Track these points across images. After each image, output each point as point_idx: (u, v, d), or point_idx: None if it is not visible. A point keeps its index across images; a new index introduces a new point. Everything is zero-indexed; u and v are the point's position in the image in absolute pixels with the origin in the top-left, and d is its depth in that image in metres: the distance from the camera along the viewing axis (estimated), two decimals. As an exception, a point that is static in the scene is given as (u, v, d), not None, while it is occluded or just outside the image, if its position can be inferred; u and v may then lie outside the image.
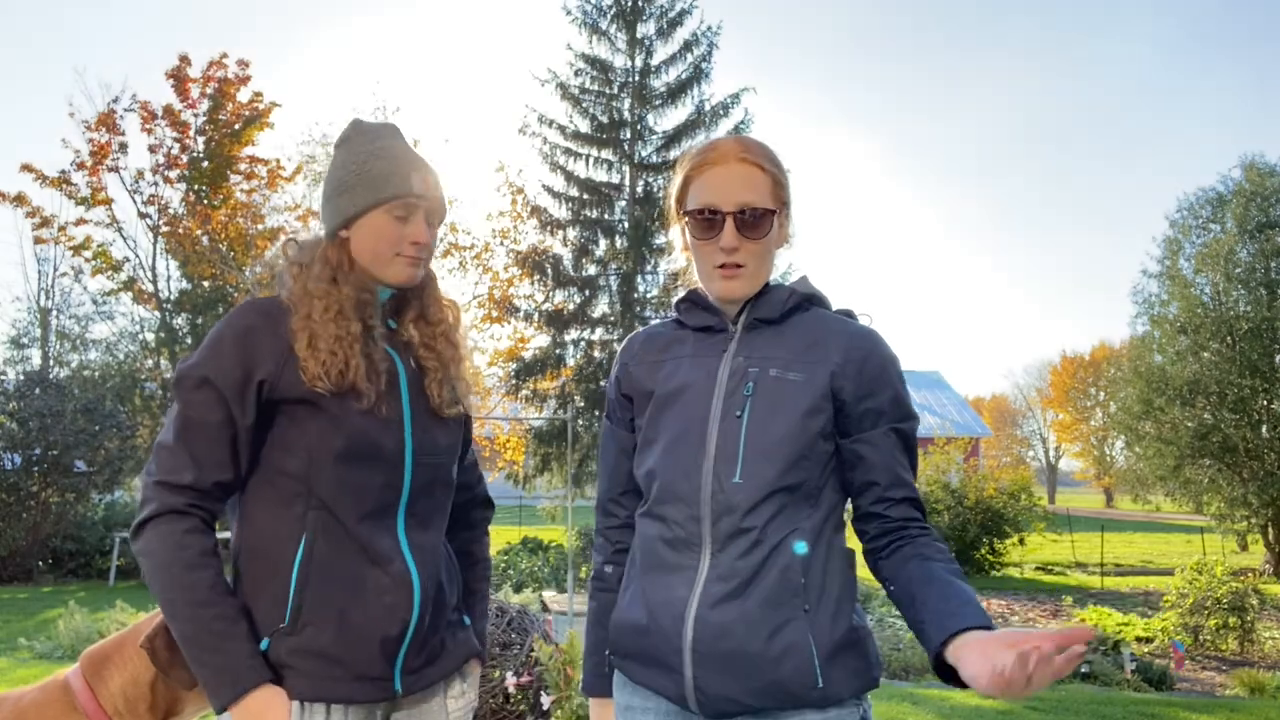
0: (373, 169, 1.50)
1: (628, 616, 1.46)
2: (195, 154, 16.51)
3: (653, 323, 1.66)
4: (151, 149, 16.33)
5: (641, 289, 14.82)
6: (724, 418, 1.41)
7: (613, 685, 1.54)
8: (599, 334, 15.07)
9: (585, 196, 14.88)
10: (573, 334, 14.99)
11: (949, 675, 1.22)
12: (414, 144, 1.65)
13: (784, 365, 1.42)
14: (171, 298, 16.53)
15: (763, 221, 1.43)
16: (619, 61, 15.04)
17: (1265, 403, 14.53)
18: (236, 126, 16.68)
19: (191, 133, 16.54)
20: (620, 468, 1.58)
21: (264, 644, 1.43)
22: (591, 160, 15.05)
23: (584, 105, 15.00)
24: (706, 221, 1.43)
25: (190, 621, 1.37)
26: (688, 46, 14.96)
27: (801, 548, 1.37)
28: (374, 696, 1.45)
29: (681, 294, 1.57)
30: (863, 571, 1.55)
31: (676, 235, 1.56)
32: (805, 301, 1.50)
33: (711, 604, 1.35)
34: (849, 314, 1.55)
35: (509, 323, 15.78)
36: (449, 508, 1.63)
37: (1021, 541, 13.87)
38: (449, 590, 1.58)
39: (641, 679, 1.44)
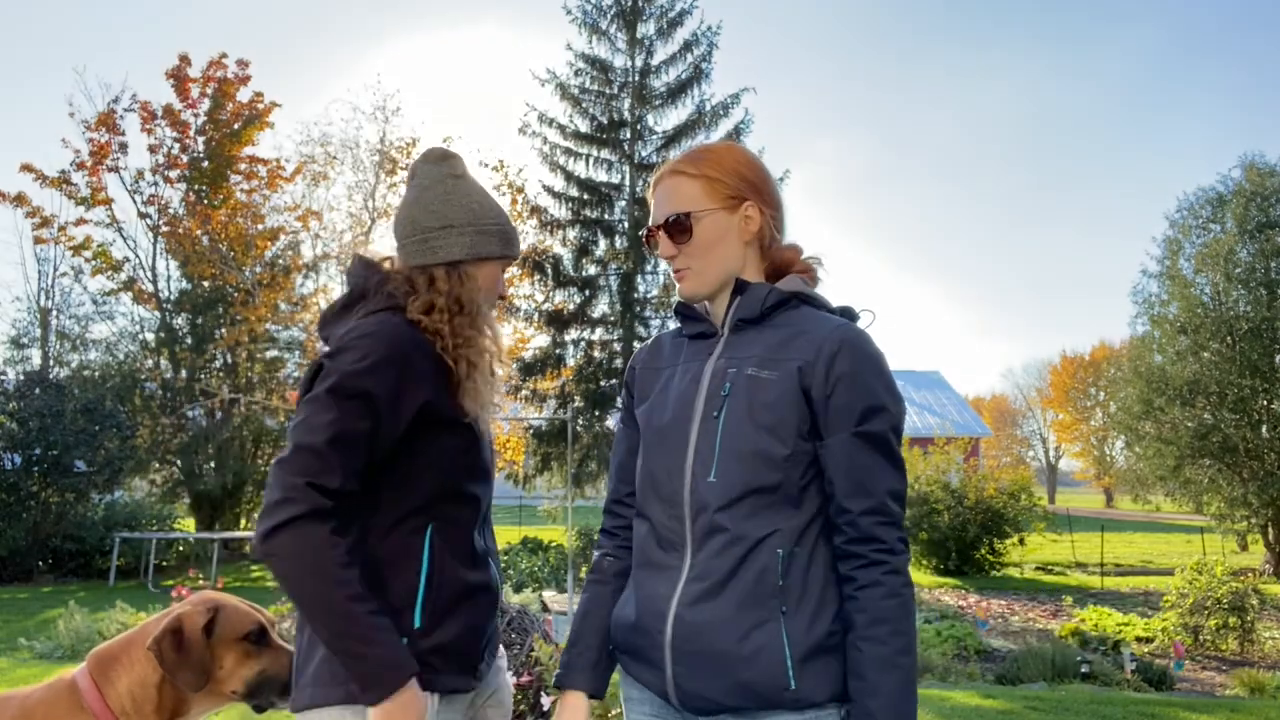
0: (506, 225, 1.69)
1: (623, 613, 1.50)
2: (195, 154, 16.52)
3: (669, 328, 1.74)
4: (151, 149, 16.34)
5: (641, 289, 14.82)
6: (704, 418, 1.44)
7: (618, 677, 1.58)
8: (599, 334, 15.08)
9: (585, 196, 14.89)
10: (573, 334, 15.00)
11: None
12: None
13: (759, 363, 1.43)
14: (171, 298, 16.52)
15: (685, 225, 1.50)
16: (619, 61, 15.05)
17: (1265, 403, 14.52)
18: (236, 126, 16.69)
19: (191, 133, 16.55)
20: (627, 467, 1.62)
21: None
22: (591, 160, 15.05)
23: (584, 105, 15.00)
24: (649, 240, 1.56)
25: (347, 617, 1.39)
26: (688, 46, 14.96)
27: (780, 550, 1.35)
28: (472, 685, 1.62)
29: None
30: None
31: None
32: (792, 299, 1.49)
33: (689, 602, 1.38)
34: (846, 311, 1.53)
35: (509, 323, 15.78)
36: None
37: (1021, 541, 13.86)
38: None
39: (634, 673, 1.49)
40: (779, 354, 1.43)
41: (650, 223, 1.56)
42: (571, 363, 14.83)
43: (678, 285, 1.55)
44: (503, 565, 11.81)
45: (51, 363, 16.86)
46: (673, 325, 1.73)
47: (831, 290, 1.55)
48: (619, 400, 1.83)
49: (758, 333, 1.48)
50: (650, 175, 15.69)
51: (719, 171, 1.51)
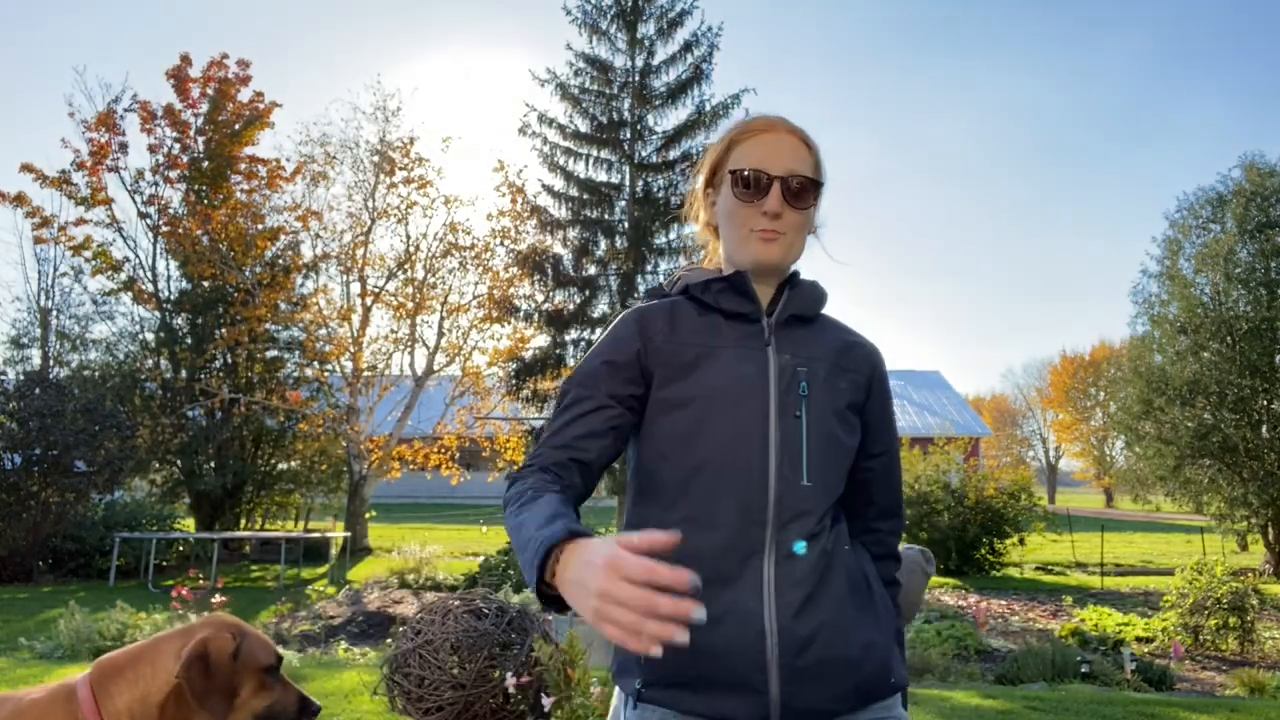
0: None
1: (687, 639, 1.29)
2: (195, 154, 16.51)
3: (653, 303, 1.50)
4: (151, 149, 16.33)
5: (641, 289, 14.81)
6: (782, 416, 1.34)
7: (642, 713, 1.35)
8: (599, 334, 15.06)
9: (585, 196, 14.88)
10: (573, 334, 15.00)
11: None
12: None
13: (829, 369, 1.42)
14: (171, 298, 16.51)
15: (808, 191, 1.42)
16: (619, 61, 15.05)
17: (1265, 403, 14.52)
18: (237, 126, 16.68)
19: (192, 133, 16.53)
20: (591, 440, 1.34)
21: None
22: (591, 160, 15.05)
23: (584, 105, 15.00)
24: (753, 184, 1.40)
25: None
26: (688, 47, 14.96)
27: (848, 547, 1.41)
28: None
29: (698, 274, 1.48)
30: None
31: (699, 211, 1.53)
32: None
33: (793, 615, 1.27)
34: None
35: (509, 323, 15.78)
36: None
37: (1021, 541, 13.86)
38: None
39: (695, 708, 1.28)
40: (845, 363, 1.45)
41: (759, 165, 1.40)
42: (571, 363, 14.82)
43: (761, 244, 1.40)
44: (503, 565, 11.85)
45: (51, 363, 16.86)
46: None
47: (832, 289, 1.55)
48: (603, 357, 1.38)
49: (809, 333, 1.44)
50: (651, 175, 15.66)
51: (820, 158, 1.48)
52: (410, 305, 16.12)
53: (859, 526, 1.47)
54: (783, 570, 1.29)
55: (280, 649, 1.97)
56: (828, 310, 1.53)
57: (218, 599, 8.18)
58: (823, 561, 1.33)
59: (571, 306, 14.85)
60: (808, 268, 1.54)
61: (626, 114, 14.90)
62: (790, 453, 1.33)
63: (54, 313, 17.39)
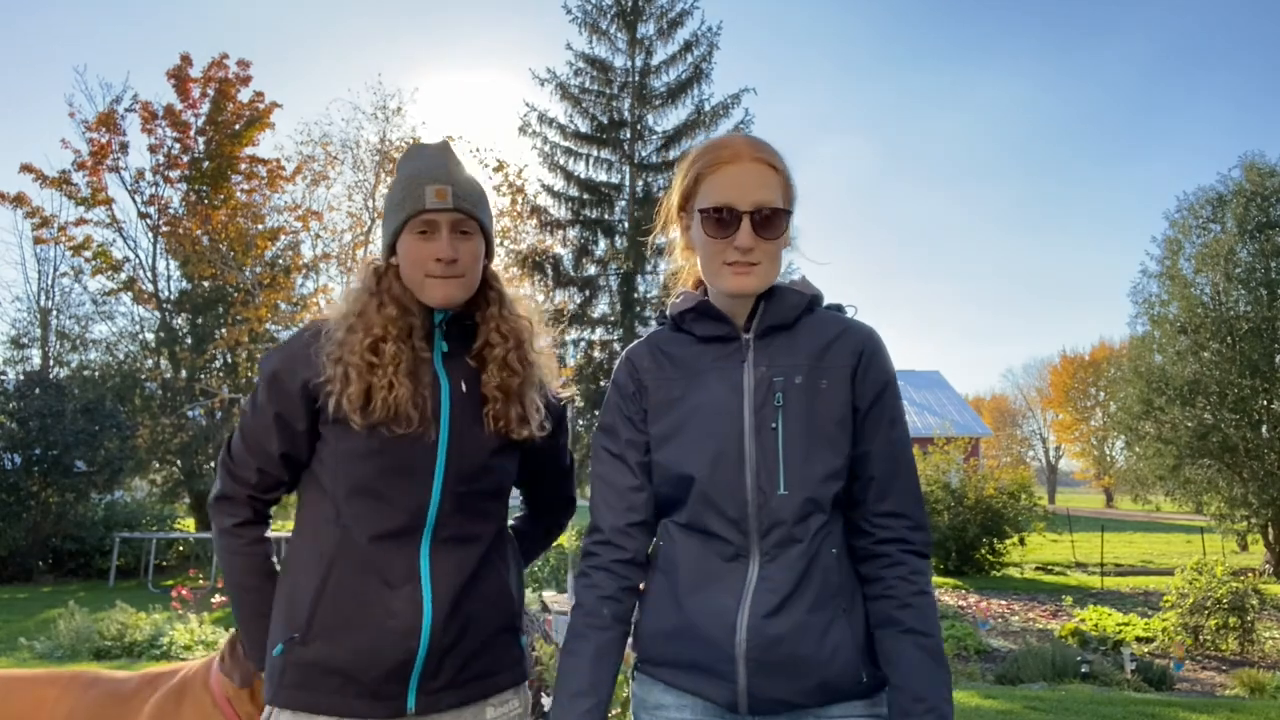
0: (397, 190, 1.48)
1: (666, 625, 1.43)
2: (196, 154, 16.51)
3: (651, 331, 1.61)
4: (152, 149, 16.35)
5: (641, 289, 14.82)
6: (759, 430, 1.40)
7: (636, 687, 1.51)
8: (599, 334, 15.07)
9: (585, 196, 14.89)
10: (573, 334, 15.00)
11: None
12: (451, 146, 1.57)
13: (807, 372, 1.42)
14: (171, 298, 16.51)
15: (778, 221, 1.42)
16: (619, 61, 15.06)
17: (1265, 403, 14.51)
18: (237, 127, 16.68)
19: (192, 133, 16.54)
20: (635, 495, 1.48)
21: (277, 649, 1.44)
22: (591, 160, 15.06)
23: (584, 105, 15.01)
24: (722, 220, 1.41)
25: (233, 596, 1.51)
26: (688, 47, 14.96)
27: (834, 550, 1.40)
28: (380, 713, 1.43)
29: (681, 302, 1.54)
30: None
31: (676, 235, 1.55)
32: (811, 302, 1.51)
33: (765, 614, 1.36)
34: (839, 308, 1.55)
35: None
36: (498, 524, 1.59)
37: (1021, 541, 13.86)
38: (490, 611, 1.54)
39: (679, 683, 1.43)
40: (825, 361, 1.43)
41: (726, 201, 1.40)
42: (571, 363, 14.82)
43: (734, 277, 1.41)
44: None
45: (51, 363, 16.86)
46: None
47: (829, 291, 1.54)
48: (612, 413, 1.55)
49: (788, 339, 1.45)
50: (651, 174, 15.67)
51: (789, 176, 1.47)
52: (410, 305, 16.07)
53: (856, 526, 1.44)
54: (764, 573, 1.38)
55: None
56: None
57: (217, 599, 8.19)
58: (802, 565, 1.37)
59: (572, 306, 14.85)
60: (807, 268, 1.54)
61: (626, 114, 14.91)
62: (767, 465, 1.39)
63: (54, 313, 17.40)
